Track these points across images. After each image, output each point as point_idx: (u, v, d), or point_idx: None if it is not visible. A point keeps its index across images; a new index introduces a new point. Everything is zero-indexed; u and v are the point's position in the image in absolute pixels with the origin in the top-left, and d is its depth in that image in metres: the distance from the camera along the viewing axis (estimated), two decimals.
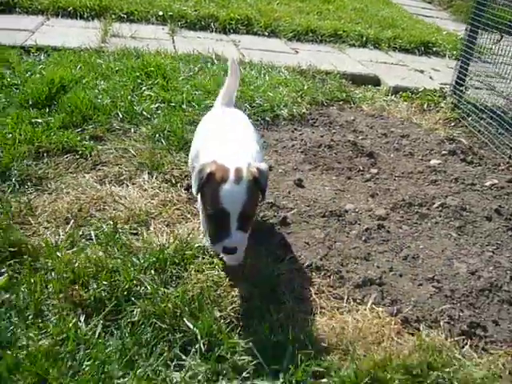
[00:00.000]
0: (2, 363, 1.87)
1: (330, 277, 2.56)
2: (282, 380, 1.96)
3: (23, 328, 2.06)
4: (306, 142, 3.89)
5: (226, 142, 2.41)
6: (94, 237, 2.63)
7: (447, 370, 2.05)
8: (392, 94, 5.31)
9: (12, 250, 2.44)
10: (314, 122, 4.31)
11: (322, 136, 4.05)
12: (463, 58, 4.97)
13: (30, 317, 2.12)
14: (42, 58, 4.89)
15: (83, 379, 1.86)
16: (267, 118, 4.22)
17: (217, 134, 2.55)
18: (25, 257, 2.41)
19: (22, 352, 1.94)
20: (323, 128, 4.23)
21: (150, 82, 4.45)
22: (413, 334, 2.25)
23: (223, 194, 2.07)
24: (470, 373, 2.04)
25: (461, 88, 4.99)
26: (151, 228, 2.77)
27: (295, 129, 4.16)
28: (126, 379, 1.91)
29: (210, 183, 2.11)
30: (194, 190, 2.20)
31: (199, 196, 2.32)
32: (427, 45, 7.15)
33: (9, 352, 1.93)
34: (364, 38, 7.05)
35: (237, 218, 2.07)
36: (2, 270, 2.33)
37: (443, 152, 3.99)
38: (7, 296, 2.18)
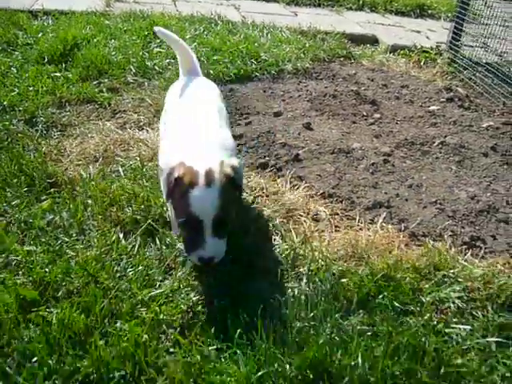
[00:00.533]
0: (55, 268, 2.09)
1: (341, 202, 2.78)
2: (305, 280, 2.19)
3: (69, 244, 2.27)
4: (312, 93, 4.09)
5: (192, 133, 2.20)
6: (122, 172, 2.84)
7: (452, 270, 2.28)
8: (390, 52, 5.51)
9: (50, 181, 2.65)
10: (318, 76, 4.50)
11: (326, 87, 4.25)
12: (459, 14, 5.15)
13: (74, 235, 2.33)
14: (50, 21, 5.04)
15: (130, 280, 2.08)
16: (273, 72, 4.41)
17: (182, 117, 2.37)
18: (62, 187, 2.62)
19: (72, 260, 2.15)
20: (326, 81, 4.43)
21: (158, 41, 4.61)
22: (420, 245, 2.48)
23: (193, 199, 1.92)
24: (472, 272, 2.27)
25: (457, 43, 5.17)
26: None
27: (300, 81, 4.35)
28: (166, 281, 2.13)
29: (179, 189, 1.95)
30: (164, 196, 2.09)
31: (169, 203, 2.16)
32: (423, 7, 7.33)
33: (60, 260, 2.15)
34: (361, 2, 7.23)
35: (211, 225, 1.92)
36: (43, 198, 2.54)
37: (441, 99, 4.20)
38: (51, 217, 2.39)
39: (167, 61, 4.25)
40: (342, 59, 5.04)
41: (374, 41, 5.90)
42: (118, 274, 2.12)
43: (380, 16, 6.99)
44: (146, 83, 3.93)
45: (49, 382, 1.69)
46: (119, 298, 1.98)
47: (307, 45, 5.08)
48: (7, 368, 1.73)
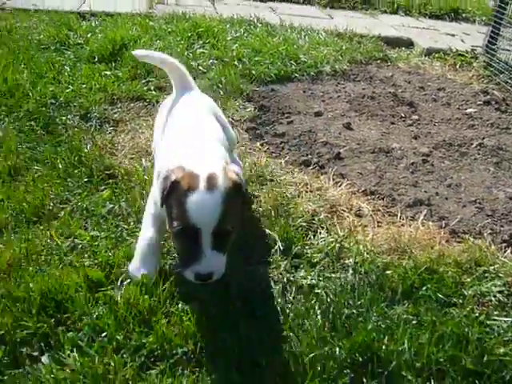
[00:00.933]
0: (118, 252, 2.24)
1: (383, 199, 2.88)
2: (351, 271, 2.30)
3: (129, 231, 2.43)
4: (350, 94, 4.20)
5: (191, 139, 2.09)
6: None
7: (492, 266, 2.38)
8: (425, 56, 5.56)
9: (107, 172, 2.82)
10: (356, 77, 4.61)
11: (363, 89, 4.35)
12: (496, 18, 5.20)
13: (132, 223, 2.48)
14: (97, 22, 5.24)
15: None
16: (312, 73, 4.52)
17: (179, 129, 2.25)
18: (119, 178, 2.78)
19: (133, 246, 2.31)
20: (364, 82, 4.53)
21: (201, 42, 4.78)
22: (460, 242, 2.58)
23: (192, 206, 1.72)
24: None
25: (493, 47, 5.22)
26: None
27: (338, 83, 4.46)
28: None
29: (176, 193, 1.77)
30: (158, 201, 1.90)
31: (165, 210, 1.89)
32: (457, 11, 7.36)
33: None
34: (395, 5, 7.29)
35: (211, 236, 1.72)
36: (102, 188, 2.71)
37: (478, 102, 4.27)
38: (111, 206, 2.55)
39: (210, 61, 4.40)
40: (378, 62, 5.12)
41: (409, 44, 5.96)
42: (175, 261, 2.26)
43: (414, 19, 7.05)
44: None
45: (117, 356, 1.84)
46: (179, 280, 2.11)
47: (344, 47, 5.18)
48: (79, 341, 1.88)
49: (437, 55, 5.50)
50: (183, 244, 1.82)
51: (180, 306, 2.02)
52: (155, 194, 2.04)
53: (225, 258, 1.81)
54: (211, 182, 1.77)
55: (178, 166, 1.83)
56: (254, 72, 4.25)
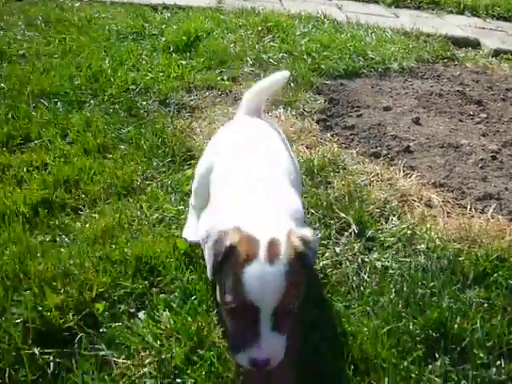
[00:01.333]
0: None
1: (452, 191, 2.95)
2: (423, 256, 2.39)
3: None
4: (418, 91, 4.25)
5: (250, 188, 1.78)
6: None
7: None
8: (493, 56, 5.52)
9: (189, 154, 3.00)
10: (423, 75, 4.65)
11: (431, 86, 4.39)
12: None
13: None
14: (169, 14, 5.46)
15: None
16: (379, 70, 4.59)
17: (237, 170, 1.89)
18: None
19: None
20: (432, 80, 4.56)
21: (271, 36, 4.92)
22: None
23: (250, 280, 1.44)
24: None
25: None
26: (293, 148, 3.24)
27: (406, 80, 4.52)
28: None
29: (231, 262, 1.49)
30: (208, 270, 1.66)
31: (216, 280, 1.65)
32: None
33: None
34: (461, 5, 7.22)
35: (270, 316, 1.44)
36: (185, 167, 2.89)
37: None
38: None
39: (281, 55, 4.53)
40: (445, 61, 5.12)
41: (476, 44, 5.92)
42: None
43: (481, 20, 6.97)
44: (261, 74, 4.22)
45: (208, 317, 1.99)
46: None
47: (411, 45, 5.22)
48: (171, 302, 2.05)
49: (505, 56, 5.46)
50: (237, 323, 1.51)
51: None
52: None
53: (284, 340, 1.51)
54: (273, 250, 1.48)
55: (233, 228, 1.53)
56: (323, 66, 4.36)
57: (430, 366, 1.89)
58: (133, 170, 2.81)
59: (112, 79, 3.85)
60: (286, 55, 4.55)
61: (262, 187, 1.77)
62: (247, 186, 1.79)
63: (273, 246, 1.49)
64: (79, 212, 2.54)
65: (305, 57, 4.52)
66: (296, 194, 1.88)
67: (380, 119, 3.70)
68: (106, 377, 1.78)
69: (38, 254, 2.20)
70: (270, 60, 4.41)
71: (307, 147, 3.28)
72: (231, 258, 1.48)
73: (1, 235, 2.31)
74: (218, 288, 1.63)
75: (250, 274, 1.44)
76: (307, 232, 1.59)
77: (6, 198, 2.53)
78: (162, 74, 4.00)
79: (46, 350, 1.86)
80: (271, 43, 4.75)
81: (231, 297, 1.48)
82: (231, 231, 1.51)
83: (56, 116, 3.28)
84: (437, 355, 1.93)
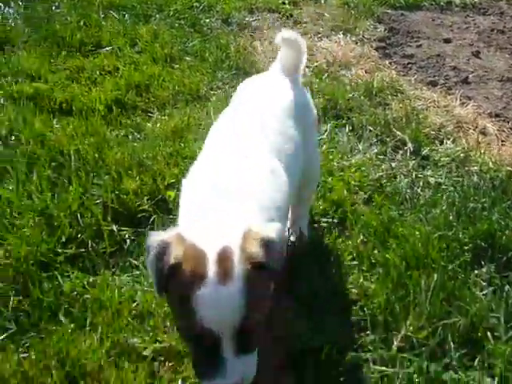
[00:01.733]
0: None
1: (508, 122, 2.99)
2: (476, 176, 2.48)
3: None
4: (479, 26, 4.20)
5: (220, 166, 1.52)
6: (308, 73, 3.21)
7: None
8: None
9: (253, 69, 3.09)
10: (486, 11, 4.55)
11: (493, 23, 4.32)
12: None
13: None
14: None
15: None
16: (441, 3, 4.52)
17: (218, 137, 1.68)
18: None
19: None
20: (494, 17, 4.47)
21: None
22: None
23: (202, 305, 1.19)
24: None
25: None
26: (353, 72, 3.31)
27: (467, 15, 4.44)
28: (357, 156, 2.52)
29: (177, 283, 1.23)
30: (154, 287, 1.31)
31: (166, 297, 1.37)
32: None
33: None
34: None
35: (232, 338, 1.22)
36: None
37: None
38: None
39: None
40: None
41: None
42: None
43: None
44: (322, 0, 4.23)
45: None
46: None
47: None
48: None
49: None
50: (198, 351, 1.27)
51: None
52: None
53: (254, 356, 1.29)
54: (225, 263, 1.21)
55: (174, 234, 1.28)
56: None
57: (476, 271, 2.01)
58: (199, 79, 2.94)
59: None
60: None
61: (234, 164, 1.51)
62: (218, 162, 1.53)
63: (224, 258, 1.22)
64: (149, 114, 2.70)
65: None
66: (282, 177, 1.57)
67: (439, 50, 3.70)
68: None
69: (114, 146, 2.38)
70: None
71: (366, 71, 3.33)
72: (176, 278, 1.22)
73: (80, 127, 2.49)
74: (171, 311, 1.42)
75: (201, 298, 1.18)
76: (270, 228, 1.30)
77: (83, 96, 2.70)
78: None
79: (123, 228, 2.06)
80: None
81: (185, 324, 1.26)
82: (174, 242, 1.25)
83: (125, 27, 3.41)
84: (483, 262, 2.05)
